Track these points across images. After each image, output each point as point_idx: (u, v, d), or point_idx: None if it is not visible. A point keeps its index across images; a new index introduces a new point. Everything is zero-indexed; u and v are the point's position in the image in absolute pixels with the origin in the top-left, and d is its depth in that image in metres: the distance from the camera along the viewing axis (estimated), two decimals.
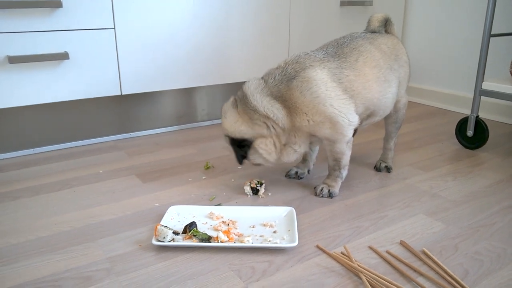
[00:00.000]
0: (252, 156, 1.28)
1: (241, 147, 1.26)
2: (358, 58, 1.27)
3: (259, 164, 1.31)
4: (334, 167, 1.31)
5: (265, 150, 1.25)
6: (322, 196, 1.30)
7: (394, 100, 1.38)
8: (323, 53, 1.27)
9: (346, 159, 1.29)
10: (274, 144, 1.25)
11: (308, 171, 1.46)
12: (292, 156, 1.27)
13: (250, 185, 1.31)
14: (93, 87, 1.64)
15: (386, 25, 1.46)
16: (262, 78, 1.27)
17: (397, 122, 1.48)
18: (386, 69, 1.31)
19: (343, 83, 1.22)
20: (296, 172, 1.44)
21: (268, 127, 1.22)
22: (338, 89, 1.20)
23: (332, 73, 1.21)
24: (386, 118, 1.47)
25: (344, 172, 1.32)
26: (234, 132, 1.25)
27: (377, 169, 1.50)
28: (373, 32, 1.42)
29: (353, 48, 1.29)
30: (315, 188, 1.33)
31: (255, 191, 1.30)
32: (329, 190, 1.30)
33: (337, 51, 1.28)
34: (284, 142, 1.25)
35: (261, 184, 1.31)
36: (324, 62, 1.23)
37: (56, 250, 1.02)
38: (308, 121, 1.20)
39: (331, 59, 1.25)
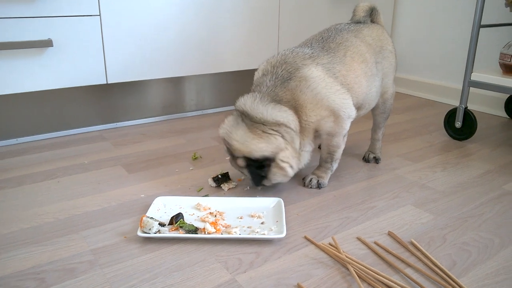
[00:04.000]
0: (274, 176, 1.19)
1: (260, 167, 1.17)
2: (346, 53, 1.26)
3: (276, 183, 1.24)
4: (326, 160, 1.30)
5: (288, 163, 1.18)
6: (311, 187, 1.29)
7: (379, 93, 1.38)
8: (310, 49, 1.25)
9: (339, 153, 1.29)
10: (293, 154, 1.18)
11: None
12: (306, 159, 1.24)
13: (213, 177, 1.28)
14: (78, 76, 1.61)
15: (372, 15, 1.45)
16: (252, 91, 1.22)
17: (385, 113, 1.48)
18: (372, 63, 1.31)
19: (338, 77, 1.21)
20: None
21: (283, 135, 1.16)
22: (336, 84, 1.19)
23: (327, 68, 1.20)
24: (374, 109, 1.46)
25: (335, 165, 1.31)
26: (252, 152, 1.14)
27: (366, 160, 1.50)
28: (358, 22, 1.41)
29: (339, 43, 1.28)
30: (303, 179, 1.32)
31: (218, 181, 1.27)
32: (318, 181, 1.29)
33: (324, 46, 1.26)
34: (298, 148, 1.20)
35: (224, 176, 1.27)
36: (316, 59, 1.21)
37: (39, 242, 1.00)
38: (315, 116, 1.18)
39: (320, 54, 1.23)
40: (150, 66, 1.76)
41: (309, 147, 1.23)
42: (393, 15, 2.51)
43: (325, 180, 1.30)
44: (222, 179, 1.27)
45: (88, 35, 1.59)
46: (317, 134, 1.23)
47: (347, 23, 1.40)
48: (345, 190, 1.28)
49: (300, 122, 1.18)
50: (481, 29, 1.61)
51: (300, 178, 1.34)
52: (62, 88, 1.65)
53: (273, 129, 1.15)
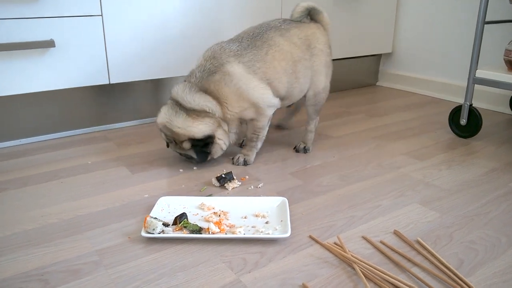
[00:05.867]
0: (215, 150, 1.38)
1: (205, 146, 1.35)
2: (268, 52, 1.38)
3: (214, 157, 1.42)
4: (252, 139, 1.45)
5: (222, 140, 1.37)
6: (238, 164, 1.43)
7: (305, 87, 1.48)
8: (237, 45, 1.37)
9: (264, 133, 1.44)
10: (224, 134, 1.37)
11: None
12: (234, 138, 1.42)
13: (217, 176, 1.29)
14: (80, 76, 1.61)
15: (314, 14, 1.53)
16: (185, 80, 1.38)
17: (315, 105, 1.54)
18: (294, 62, 1.42)
19: (257, 74, 1.35)
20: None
21: (213, 119, 1.33)
22: (254, 80, 1.34)
23: (247, 66, 1.34)
24: (306, 101, 1.54)
25: (260, 144, 1.46)
26: (196, 134, 1.31)
27: (296, 150, 1.57)
28: (296, 21, 1.51)
29: (264, 42, 1.40)
30: (232, 158, 1.46)
31: (221, 181, 1.27)
32: (244, 159, 1.44)
33: (250, 43, 1.39)
34: (227, 129, 1.38)
35: (228, 175, 1.27)
36: (239, 57, 1.35)
37: (43, 243, 0.99)
38: (238, 107, 1.34)
39: (243, 52, 1.36)
40: (153, 66, 1.75)
41: (235, 129, 1.41)
42: (396, 12, 2.50)
43: (251, 157, 1.45)
44: (225, 178, 1.27)
45: (90, 35, 1.59)
46: (242, 120, 1.40)
47: (281, 21, 1.49)
48: (349, 188, 1.27)
49: (224, 112, 1.34)
50: (485, 25, 1.59)
51: (304, 178, 1.34)
52: (65, 89, 1.65)
53: (203, 115, 1.32)
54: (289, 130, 1.79)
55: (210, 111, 1.33)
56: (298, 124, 1.87)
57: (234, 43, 1.38)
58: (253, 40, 1.39)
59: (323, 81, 1.51)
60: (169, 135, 1.36)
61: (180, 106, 1.33)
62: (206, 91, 1.33)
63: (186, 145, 1.35)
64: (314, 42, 1.48)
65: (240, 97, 1.33)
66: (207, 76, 1.33)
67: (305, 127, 1.58)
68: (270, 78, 1.37)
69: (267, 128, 1.44)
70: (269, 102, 1.37)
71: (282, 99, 1.43)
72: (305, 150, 1.55)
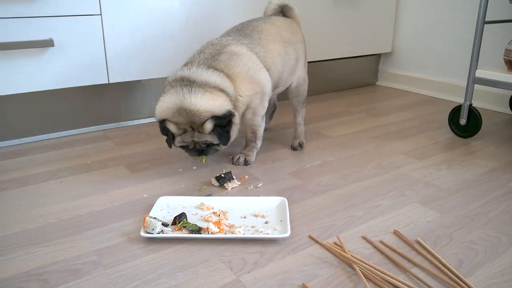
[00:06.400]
0: (233, 132, 1.26)
1: (226, 125, 1.22)
2: (261, 36, 1.37)
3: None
4: (251, 139, 1.43)
5: (237, 124, 1.27)
6: (238, 164, 1.41)
7: (293, 72, 1.49)
8: (229, 37, 1.35)
9: (261, 131, 1.42)
10: (238, 115, 1.27)
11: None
12: (235, 133, 1.30)
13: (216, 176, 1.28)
14: (79, 76, 1.60)
15: (286, 11, 1.58)
16: (180, 69, 1.26)
17: (299, 96, 1.57)
18: (285, 43, 1.43)
19: (260, 57, 1.32)
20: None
21: (229, 98, 1.22)
22: (260, 62, 1.31)
23: (249, 47, 1.31)
24: (289, 94, 1.56)
25: (259, 143, 1.44)
26: (217, 109, 1.18)
27: (294, 148, 1.56)
28: None
29: (253, 30, 1.38)
30: (232, 158, 1.44)
31: (221, 181, 1.26)
32: (245, 159, 1.41)
33: (241, 33, 1.37)
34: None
35: (228, 175, 1.26)
36: (239, 40, 1.32)
37: (42, 243, 0.99)
38: (249, 91, 1.27)
39: (241, 38, 1.33)
40: (152, 65, 1.75)
41: (238, 120, 1.28)
42: (396, 12, 2.49)
43: (252, 158, 1.43)
44: (225, 178, 1.26)
45: (89, 34, 1.58)
46: (245, 112, 1.33)
47: (258, 18, 1.51)
48: (349, 188, 1.27)
49: (237, 93, 1.25)
50: (485, 25, 1.59)
51: (304, 178, 1.33)
52: (64, 88, 1.65)
53: (220, 92, 1.20)
54: (287, 130, 1.78)
55: (224, 88, 1.21)
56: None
57: (224, 37, 1.36)
58: (242, 32, 1.38)
59: (303, 70, 1.55)
60: (182, 121, 1.19)
61: (192, 84, 1.19)
62: (216, 69, 1.24)
63: (208, 125, 1.18)
64: (295, 29, 1.52)
65: (252, 79, 1.27)
66: (212, 57, 1.25)
67: (294, 121, 1.61)
68: (268, 62, 1.35)
69: (263, 125, 1.42)
70: (269, 90, 1.35)
71: (274, 88, 1.43)
72: (301, 146, 1.56)
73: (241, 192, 1.24)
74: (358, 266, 0.89)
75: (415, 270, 0.89)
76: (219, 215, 1.08)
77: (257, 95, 1.31)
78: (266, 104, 1.37)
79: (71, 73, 1.58)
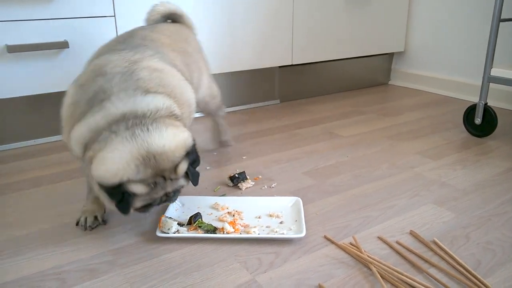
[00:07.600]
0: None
1: (195, 161, 0.98)
2: (158, 46, 1.10)
3: None
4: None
5: None
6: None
7: (197, 89, 1.24)
8: (120, 51, 1.02)
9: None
10: None
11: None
12: None
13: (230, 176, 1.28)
14: None
15: (175, 19, 1.37)
16: (97, 104, 0.91)
17: (216, 112, 1.52)
18: (181, 54, 1.18)
19: (175, 66, 1.08)
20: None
21: (181, 122, 0.99)
22: (179, 73, 1.07)
23: (160, 59, 1.04)
24: (203, 111, 1.51)
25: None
26: (187, 142, 0.94)
27: (223, 144, 1.59)
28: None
29: (143, 39, 1.10)
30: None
31: (235, 181, 1.26)
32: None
33: (129, 45, 1.05)
34: None
35: (241, 175, 1.27)
36: (141, 54, 1.02)
37: (59, 242, 1.00)
38: (186, 107, 1.06)
39: (138, 50, 1.02)
40: None
41: None
42: (408, 10, 2.48)
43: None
44: (239, 178, 1.27)
45: (103, 36, 1.59)
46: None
47: (139, 27, 1.26)
48: (363, 188, 1.26)
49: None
50: (500, 23, 1.57)
51: (318, 177, 1.33)
52: None
53: (174, 119, 0.95)
54: (299, 130, 1.78)
55: (178, 114, 0.97)
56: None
57: (113, 52, 1.02)
58: (129, 43, 1.07)
59: (209, 84, 1.38)
60: (150, 174, 0.87)
61: (143, 120, 0.89)
62: (148, 92, 0.94)
63: (183, 166, 0.92)
64: (189, 39, 1.31)
65: (182, 95, 1.03)
66: (130, 79, 0.94)
67: (215, 121, 1.55)
68: (181, 70, 1.11)
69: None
70: (194, 101, 1.12)
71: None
72: (227, 143, 1.58)
73: (255, 192, 1.24)
74: (375, 267, 0.88)
75: (432, 271, 0.89)
76: (233, 215, 1.08)
77: (192, 112, 1.11)
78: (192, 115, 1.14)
79: None
